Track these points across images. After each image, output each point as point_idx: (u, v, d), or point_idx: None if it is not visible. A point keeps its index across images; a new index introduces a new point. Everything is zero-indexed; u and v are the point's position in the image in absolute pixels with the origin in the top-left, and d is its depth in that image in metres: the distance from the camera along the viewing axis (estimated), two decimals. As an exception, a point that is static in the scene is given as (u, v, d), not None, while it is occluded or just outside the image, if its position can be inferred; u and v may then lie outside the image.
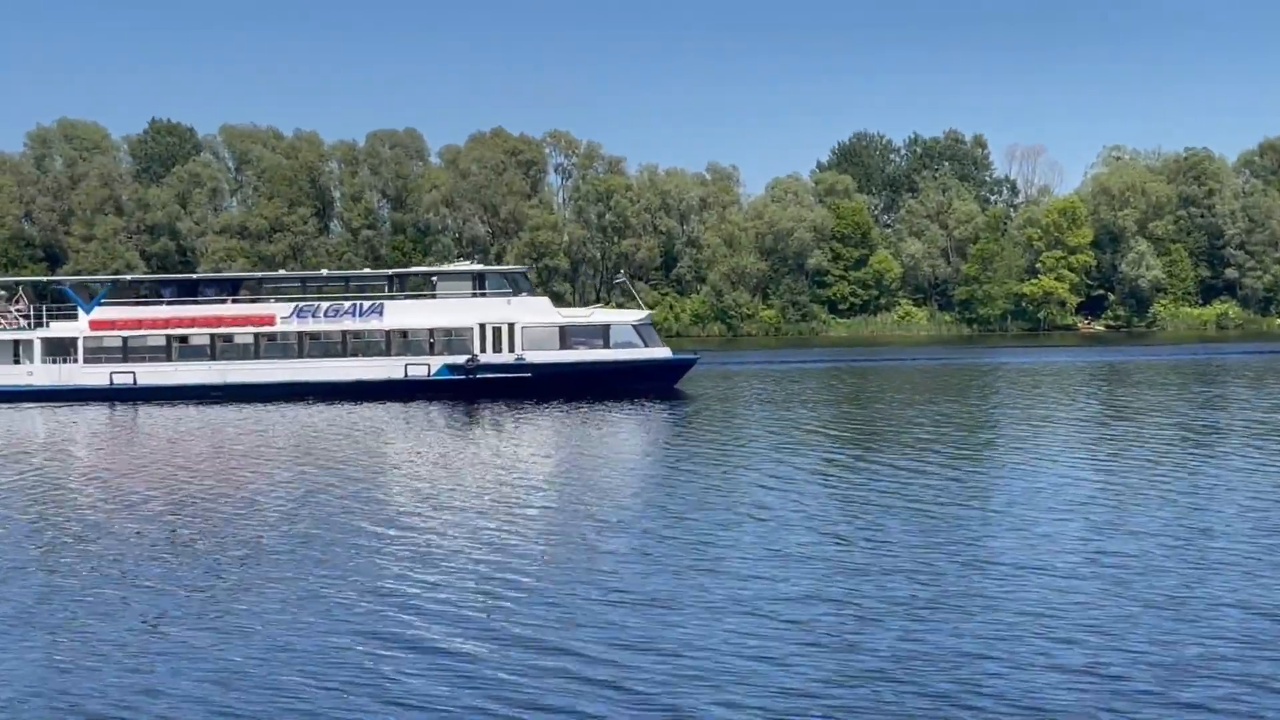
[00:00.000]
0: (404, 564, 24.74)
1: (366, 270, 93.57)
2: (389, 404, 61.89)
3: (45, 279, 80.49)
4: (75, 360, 66.88)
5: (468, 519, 29.42)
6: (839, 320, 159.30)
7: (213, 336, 66.88)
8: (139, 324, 67.18)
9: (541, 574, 23.74)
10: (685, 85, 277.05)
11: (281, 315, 67.10)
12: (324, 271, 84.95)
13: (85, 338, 66.98)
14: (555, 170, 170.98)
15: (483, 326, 66.38)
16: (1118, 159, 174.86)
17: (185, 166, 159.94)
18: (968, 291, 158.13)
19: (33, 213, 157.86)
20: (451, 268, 74.29)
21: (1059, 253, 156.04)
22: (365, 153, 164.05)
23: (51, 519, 30.61)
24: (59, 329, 67.91)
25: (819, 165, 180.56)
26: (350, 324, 66.76)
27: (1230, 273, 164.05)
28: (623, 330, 67.28)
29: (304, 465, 39.78)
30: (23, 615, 21.54)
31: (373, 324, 66.85)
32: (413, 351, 66.63)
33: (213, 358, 66.75)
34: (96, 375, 66.50)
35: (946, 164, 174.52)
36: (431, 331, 66.80)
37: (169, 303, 68.45)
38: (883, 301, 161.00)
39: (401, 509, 30.85)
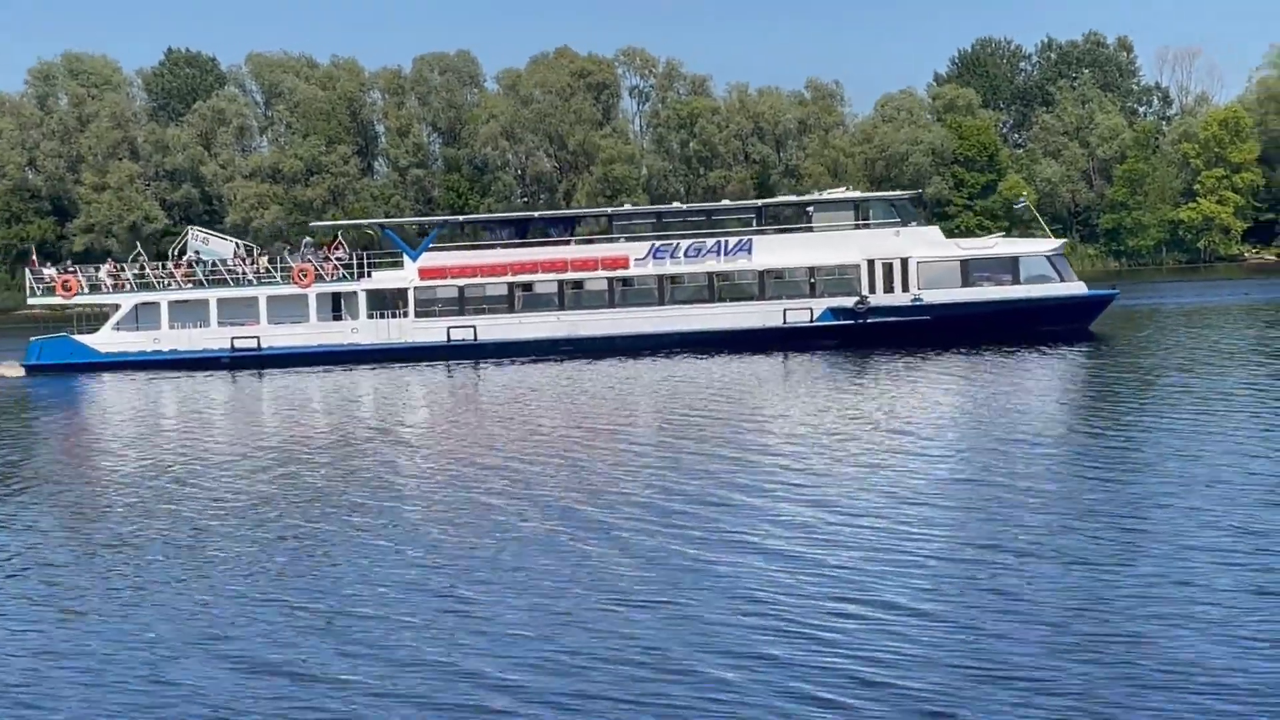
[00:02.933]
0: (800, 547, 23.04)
1: (729, 201, 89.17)
2: (764, 355, 59.15)
3: (365, 222, 77.17)
4: (405, 314, 64.04)
5: (895, 502, 26.64)
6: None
7: (561, 283, 64.18)
8: (476, 271, 64.35)
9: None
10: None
11: (636, 257, 64.16)
12: (676, 205, 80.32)
13: (416, 288, 63.92)
14: (630, 94, 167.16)
15: (870, 263, 62.84)
16: None
17: (208, 102, 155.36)
18: (1114, 219, 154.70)
19: (37, 160, 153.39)
20: (830, 195, 71.26)
21: (1220, 171, 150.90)
22: (412, 80, 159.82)
23: (419, 499, 29.16)
24: (385, 279, 65.05)
25: (936, 78, 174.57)
26: (715, 264, 63.93)
27: None
28: (1035, 263, 63.47)
29: (690, 431, 37.56)
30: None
31: (741, 264, 63.89)
32: (789, 294, 63.61)
33: (561, 307, 64.08)
34: (430, 331, 63.70)
35: (1086, 71, 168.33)
36: (812, 270, 63.45)
37: (504, 246, 66.49)
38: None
39: (808, 487, 28.52)
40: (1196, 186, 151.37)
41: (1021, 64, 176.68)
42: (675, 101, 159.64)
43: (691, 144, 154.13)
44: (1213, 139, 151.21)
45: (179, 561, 23.72)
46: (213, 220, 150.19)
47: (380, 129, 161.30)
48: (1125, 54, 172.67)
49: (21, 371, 63.30)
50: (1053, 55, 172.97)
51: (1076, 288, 63.88)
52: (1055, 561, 21.52)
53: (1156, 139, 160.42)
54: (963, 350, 56.41)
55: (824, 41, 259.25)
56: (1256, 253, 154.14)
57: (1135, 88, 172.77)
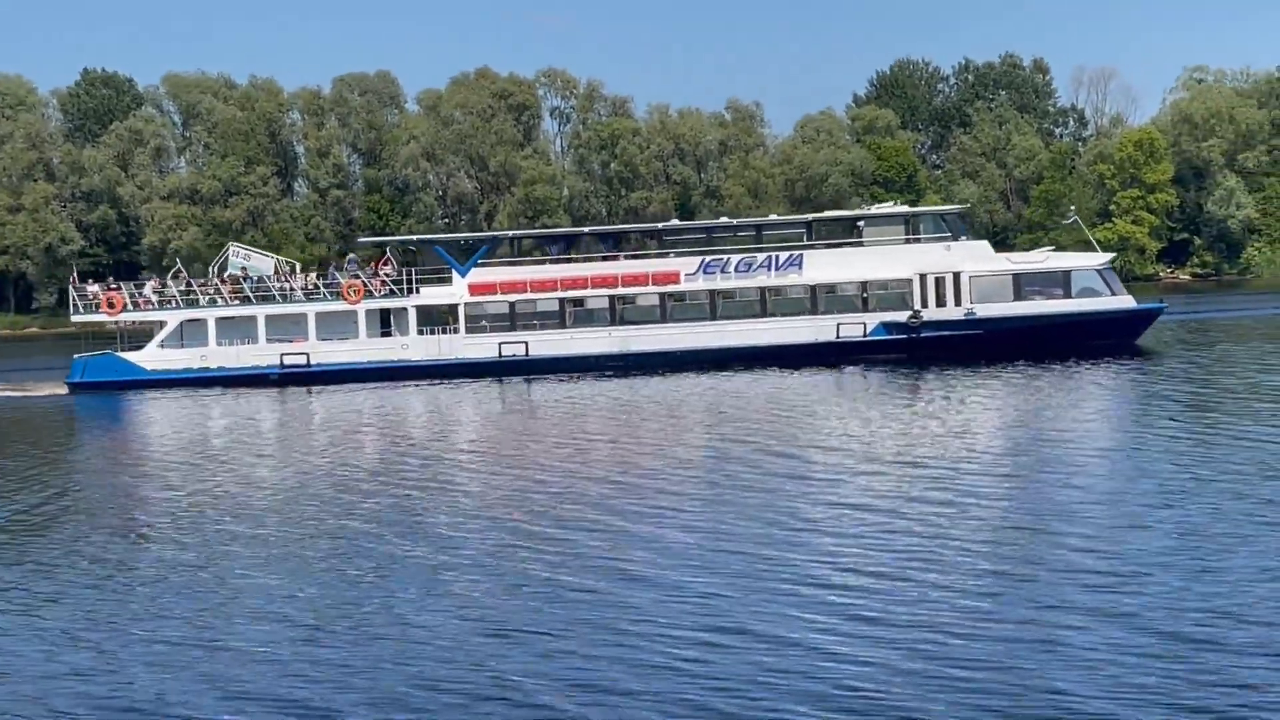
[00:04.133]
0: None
1: (776, 216, 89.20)
2: (816, 370, 59.20)
3: (415, 238, 77.80)
4: (455, 330, 63.91)
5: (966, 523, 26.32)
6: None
7: (612, 299, 64.18)
8: (526, 286, 64.18)
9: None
10: (697, 11, 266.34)
11: (686, 272, 64.29)
12: (724, 219, 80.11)
13: (466, 304, 63.85)
14: (551, 115, 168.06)
15: (922, 277, 63.07)
16: (1200, 82, 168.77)
17: (124, 123, 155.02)
18: (1032, 239, 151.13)
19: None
20: (880, 210, 71.59)
21: (1136, 192, 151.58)
22: (331, 101, 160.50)
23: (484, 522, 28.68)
24: (434, 294, 64.67)
25: (855, 99, 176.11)
26: (766, 279, 63.98)
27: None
28: (1086, 276, 63.60)
29: (750, 448, 36.99)
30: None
31: (791, 278, 63.98)
32: (841, 309, 63.77)
33: (612, 323, 64.10)
34: (481, 347, 63.52)
35: (1003, 93, 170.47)
36: (864, 285, 63.69)
37: (553, 261, 66.60)
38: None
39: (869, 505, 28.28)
40: (1112, 207, 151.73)
41: (939, 85, 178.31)
42: (596, 123, 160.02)
43: (613, 165, 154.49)
44: (1128, 160, 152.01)
45: (227, 588, 23.35)
46: (130, 242, 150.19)
47: (300, 149, 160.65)
48: (1041, 75, 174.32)
49: (65, 389, 62.83)
50: (970, 77, 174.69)
51: (1126, 301, 63.80)
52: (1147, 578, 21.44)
53: (1073, 160, 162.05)
54: (1016, 364, 56.48)
55: (744, 63, 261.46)
56: (1171, 273, 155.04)
57: (1051, 109, 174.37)
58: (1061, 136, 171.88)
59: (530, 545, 25.60)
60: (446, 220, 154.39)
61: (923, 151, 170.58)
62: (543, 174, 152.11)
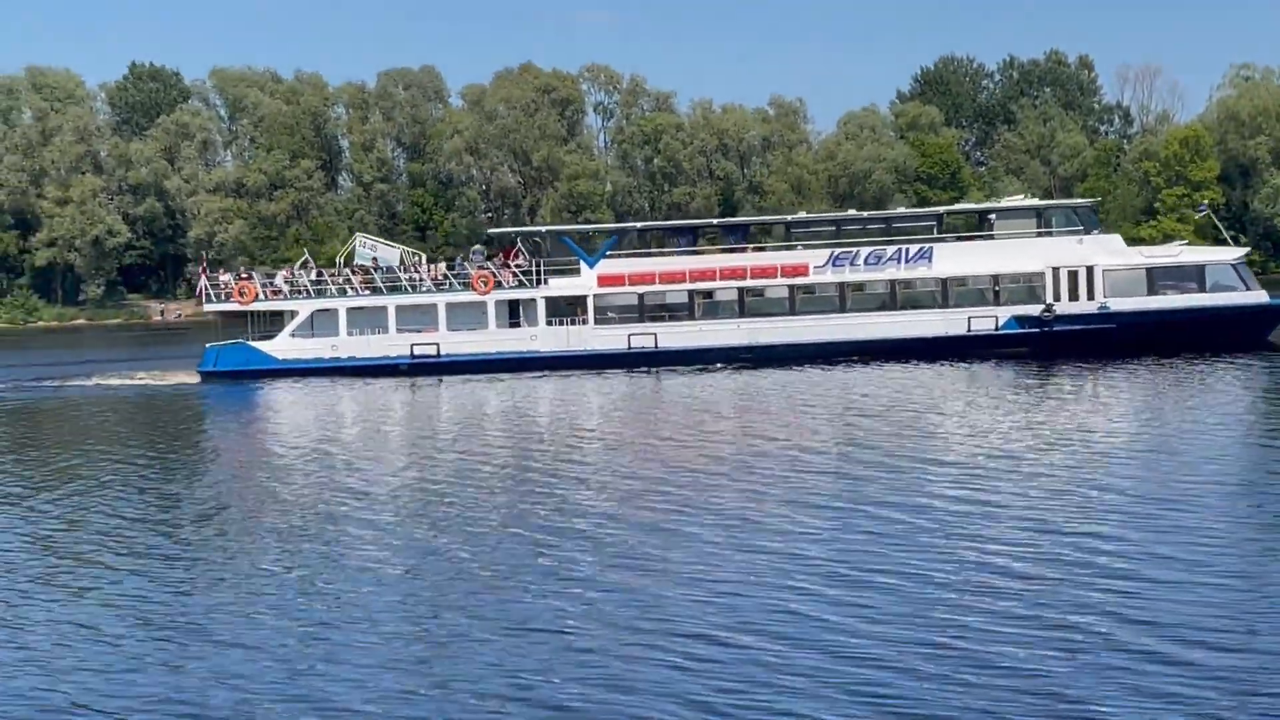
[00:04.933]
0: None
1: (906, 209, 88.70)
2: (947, 364, 58.72)
3: (544, 229, 76.95)
4: (584, 321, 63.91)
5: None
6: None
7: (741, 291, 63.90)
8: (655, 278, 64.16)
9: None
10: (740, 7, 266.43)
11: (815, 264, 63.79)
12: (852, 212, 78.31)
13: (595, 295, 63.88)
14: (595, 110, 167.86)
15: (1055, 271, 62.57)
16: (1247, 79, 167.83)
17: (171, 117, 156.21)
18: None
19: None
20: (1011, 203, 70.49)
21: (1181, 189, 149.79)
22: (376, 95, 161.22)
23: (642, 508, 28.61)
24: (562, 285, 64.60)
25: (899, 96, 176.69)
26: (896, 272, 63.66)
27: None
28: (1221, 271, 62.94)
29: (880, 447, 36.12)
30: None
31: (921, 271, 63.56)
32: (972, 302, 63.19)
33: (741, 315, 63.76)
34: (611, 338, 63.56)
35: (1048, 90, 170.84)
36: (995, 278, 63.12)
37: (680, 253, 66.25)
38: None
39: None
40: (1157, 205, 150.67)
41: (984, 82, 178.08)
42: (639, 118, 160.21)
43: (655, 160, 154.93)
44: (1174, 157, 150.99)
45: (349, 582, 23.10)
46: (175, 234, 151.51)
47: (344, 144, 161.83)
48: (1086, 73, 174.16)
49: (198, 378, 63.13)
50: (1014, 74, 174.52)
51: (1261, 296, 62.79)
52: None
53: (1118, 157, 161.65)
54: (1151, 360, 55.72)
55: (787, 59, 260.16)
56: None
57: (1096, 106, 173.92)
58: (1107, 134, 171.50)
59: (655, 541, 25.32)
60: (489, 215, 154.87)
61: (967, 149, 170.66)
62: (586, 169, 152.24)
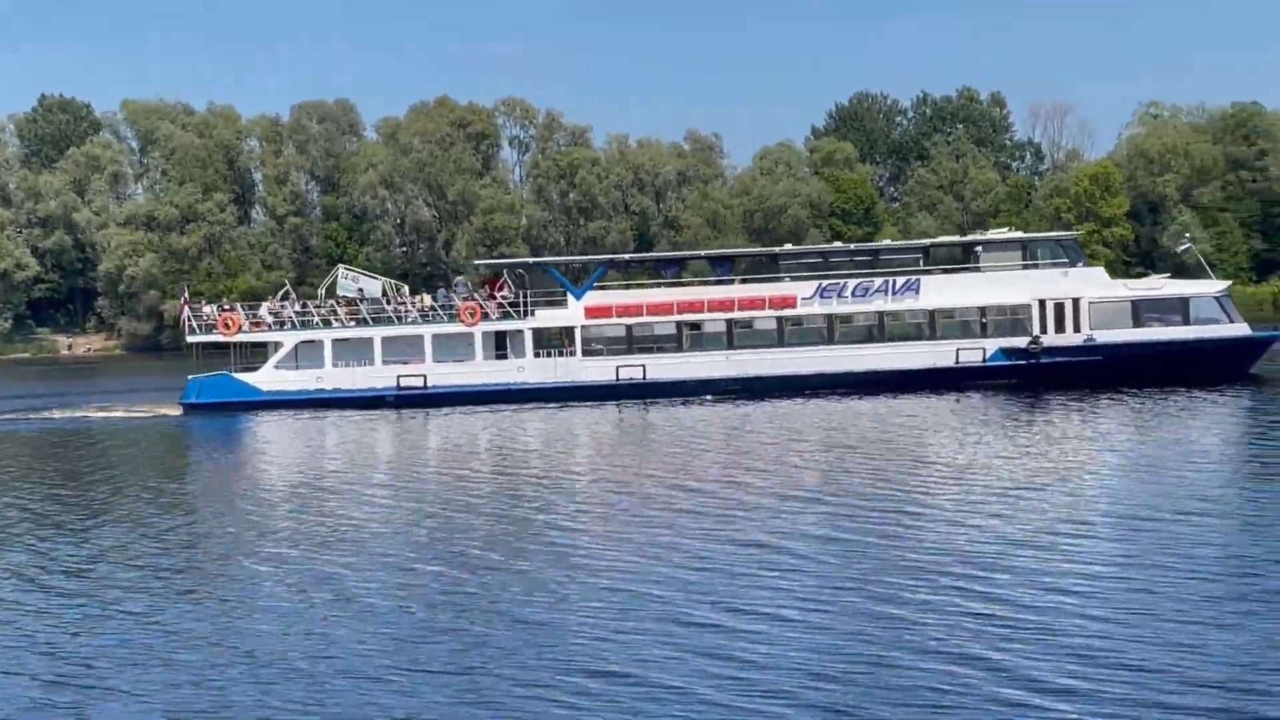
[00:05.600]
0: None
1: (891, 241, 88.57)
2: (936, 396, 59.09)
3: (530, 260, 77.22)
4: (572, 353, 64.28)
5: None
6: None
7: (729, 322, 64.36)
8: (642, 309, 64.61)
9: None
10: (657, 43, 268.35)
11: (803, 296, 64.35)
12: (838, 244, 79.26)
13: (583, 327, 64.23)
14: (510, 144, 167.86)
15: (1041, 303, 63.51)
16: (1155, 117, 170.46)
17: (81, 149, 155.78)
18: None
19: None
20: (996, 236, 70.59)
21: (1091, 225, 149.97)
22: (290, 128, 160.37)
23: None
24: (550, 317, 64.95)
25: (814, 132, 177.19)
26: (884, 304, 64.13)
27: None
28: (1205, 304, 63.98)
29: (872, 475, 36.68)
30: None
31: (908, 303, 64.11)
32: (960, 334, 63.95)
33: (729, 346, 64.22)
34: (599, 369, 63.89)
35: (960, 127, 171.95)
36: (982, 310, 63.76)
37: (667, 284, 67.16)
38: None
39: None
40: None
41: (898, 119, 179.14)
42: (555, 152, 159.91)
43: (571, 194, 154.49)
44: (1084, 194, 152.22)
45: (332, 616, 23.14)
46: (85, 268, 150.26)
47: (257, 177, 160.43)
48: (998, 110, 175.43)
49: (179, 410, 62.59)
50: (928, 110, 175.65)
51: (1243, 329, 63.59)
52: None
53: (1029, 193, 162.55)
54: (1135, 391, 56.28)
55: (703, 94, 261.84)
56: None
57: (1008, 143, 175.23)
58: (1018, 170, 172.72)
59: (644, 575, 25.34)
60: (404, 249, 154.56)
61: (881, 184, 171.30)
62: (501, 203, 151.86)
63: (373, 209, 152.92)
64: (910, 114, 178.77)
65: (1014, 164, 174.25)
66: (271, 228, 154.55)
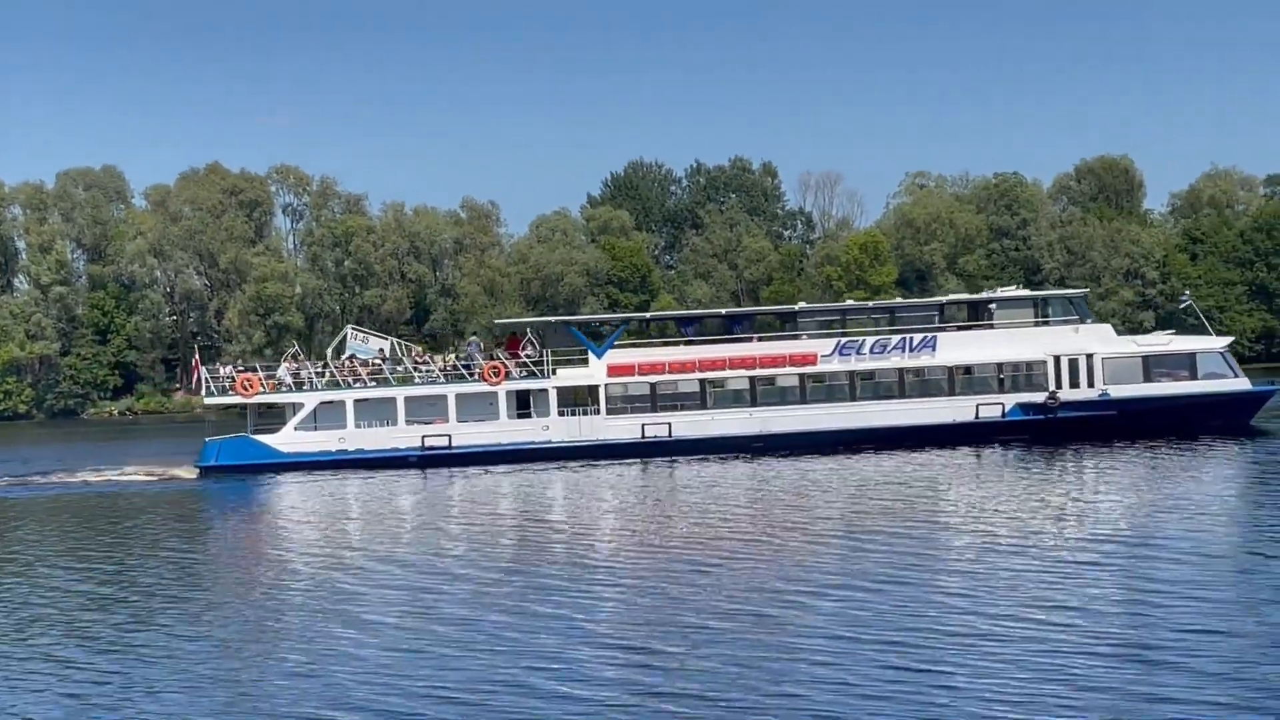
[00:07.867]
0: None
1: (902, 299, 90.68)
2: (956, 451, 59.54)
3: (552, 320, 76.46)
4: (596, 411, 64.08)
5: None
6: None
7: (752, 380, 64.69)
8: (665, 367, 64.78)
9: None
10: (433, 111, 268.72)
11: (823, 353, 64.87)
12: (852, 302, 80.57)
13: (607, 385, 64.27)
14: (283, 211, 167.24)
15: (1056, 359, 64.77)
16: (922, 187, 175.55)
17: None
18: None
19: None
20: (1010, 293, 72.04)
21: (861, 293, 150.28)
22: (55, 195, 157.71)
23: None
24: (572, 375, 64.97)
25: (590, 200, 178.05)
26: (902, 360, 64.80)
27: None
28: (1210, 359, 65.72)
29: (904, 531, 36.89)
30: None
31: (925, 359, 64.98)
32: (979, 390, 65.01)
33: (753, 404, 64.58)
34: (624, 428, 63.79)
35: (734, 196, 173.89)
36: (1000, 366, 65.15)
37: (688, 343, 67.28)
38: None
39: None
40: None
41: (672, 187, 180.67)
42: (329, 220, 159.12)
43: (347, 262, 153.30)
44: (854, 262, 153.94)
45: (355, 680, 23.08)
46: None
47: (21, 245, 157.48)
48: (770, 179, 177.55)
49: (195, 474, 61.82)
50: (701, 179, 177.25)
51: (1245, 383, 65.67)
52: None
53: (801, 261, 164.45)
54: (1145, 443, 57.92)
55: (479, 162, 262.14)
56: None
57: (780, 212, 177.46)
58: (790, 239, 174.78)
59: (664, 632, 25.53)
60: (174, 317, 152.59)
61: (656, 252, 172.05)
62: (274, 271, 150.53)
63: (141, 278, 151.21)
64: (685, 183, 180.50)
65: (786, 232, 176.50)
66: (36, 297, 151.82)
